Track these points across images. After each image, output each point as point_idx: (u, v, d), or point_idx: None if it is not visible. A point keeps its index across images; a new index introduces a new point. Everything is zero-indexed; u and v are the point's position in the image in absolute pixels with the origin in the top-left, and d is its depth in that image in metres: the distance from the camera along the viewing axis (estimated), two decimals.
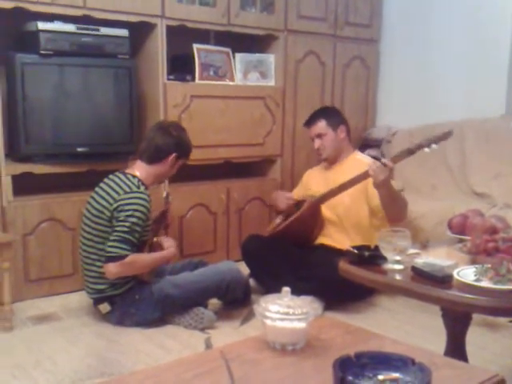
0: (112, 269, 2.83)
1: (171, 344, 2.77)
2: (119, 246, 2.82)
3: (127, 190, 2.92)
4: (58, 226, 3.40)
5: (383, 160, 2.91)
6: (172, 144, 3.06)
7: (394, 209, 3.08)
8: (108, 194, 2.94)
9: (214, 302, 3.20)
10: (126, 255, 2.82)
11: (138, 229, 2.87)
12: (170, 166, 3.07)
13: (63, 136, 3.45)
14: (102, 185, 3.03)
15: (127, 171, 3.05)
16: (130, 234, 2.84)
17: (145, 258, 2.98)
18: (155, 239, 3.15)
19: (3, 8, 3.10)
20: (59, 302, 3.34)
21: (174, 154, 3.05)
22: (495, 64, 4.11)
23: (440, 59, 4.43)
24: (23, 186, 3.34)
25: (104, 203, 2.93)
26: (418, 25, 4.57)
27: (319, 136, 3.47)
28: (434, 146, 2.74)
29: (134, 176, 3.01)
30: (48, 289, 3.41)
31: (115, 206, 2.89)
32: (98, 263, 2.91)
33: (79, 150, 3.46)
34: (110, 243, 2.84)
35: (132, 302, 2.95)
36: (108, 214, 2.90)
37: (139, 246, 2.97)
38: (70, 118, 3.44)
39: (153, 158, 3.05)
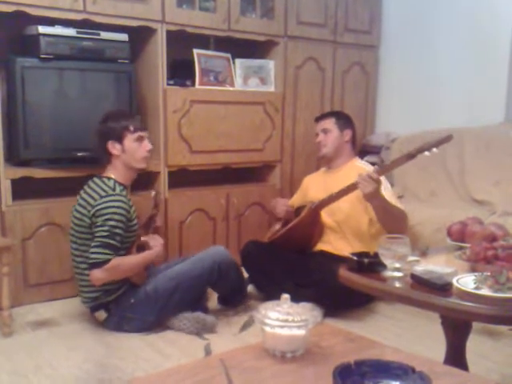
0: (97, 275, 2.81)
1: (170, 350, 2.77)
2: (101, 251, 2.80)
3: (103, 194, 2.91)
4: (58, 231, 3.39)
5: (369, 172, 2.91)
6: (99, 137, 3.04)
7: (388, 221, 3.09)
8: (86, 201, 2.93)
9: (216, 309, 3.20)
10: (109, 260, 2.80)
11: (118, 231, 2.85)
12: (120, 152, 3.00)
13: (63, 140, 3.44)
14: (81, 192, 3.02)
15: (103, 175, 3.04)
16: (110, 238, 2.82)
17: (129, 260, 2.94)
18: (142, 238, 3.13)
19: (4, 12, 3.10)
20: (59, 307, 3.34)
21: (108, 143, 3.00)
22: (495, 71, 4.12)
23: (440, 66, 4.44)
24: (22, 190, 3.34)
25: (83, 211, 2.92)
26: (417, 31, 4.59)
27: (324, 131, 3.54)
28: (434, 149, 2.74)
29: (110, 178, 3.00)
30: (47, 294, 3.41)
31: (93, 211, 2.87)
32: (88, 271, 2.87)
33: (79, 154, 3.46)
34: (92, 249, 2.82)
35: (128, 307, 2.94)
36: (88, 220, 2.89)
37: (127, 248, 2.96)
38: (69, 123, 3.44)
39: (103, 158, 3.06)
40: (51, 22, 3.28)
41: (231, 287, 3.20)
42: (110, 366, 2.58)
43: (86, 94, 3.51)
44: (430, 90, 4.51)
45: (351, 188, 3.08)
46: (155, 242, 3.10)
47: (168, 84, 3.73)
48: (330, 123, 3.55)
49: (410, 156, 2.82)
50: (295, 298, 1.63)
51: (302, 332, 1.55)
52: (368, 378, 1.37)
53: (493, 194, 3.65)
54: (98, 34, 3.44)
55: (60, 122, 3.42)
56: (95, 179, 3.02)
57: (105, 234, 2.81)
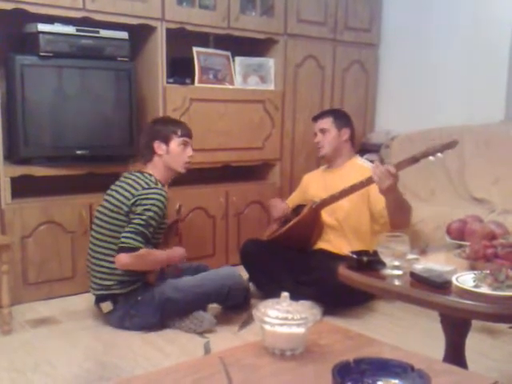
0: (123, 259, 2.85)
1: (170, 348, 2.77)
2: (134, 237, 2.85)
3: (145, 186, 2.99)
4: (57, 229, 3.40)
5: (387, 166, 2.88)
6: (147, 136, 3.15)
7: (399, 215, 3.06)
8: (126, 190, 3.00)
9: (214, 306, 3.19)
10: (139, 247, 2.85)
11: (153, 223, 2.92)
12: (164, 152, 3.10)
13: (62, 138, 3.45)
14: (118, 182, 3.09)
15: (143, 170, 3.11)
16: (145, 228, 2.88)
17: (155, 254, 3.01)
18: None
19: (3, 9, 3.10)
20: (58, 305, 3.34)
21: (155, 142, 3.09)
22: (495, 69, 4.11)
23: (439, 64, 4.44)
24: (22, 188, 3.34)
25: (122, 198, 2.98)
26: (417, 30, 4.58)
27: (322, 131, 3.51)
28: (439, 154, 2.74)
29: (151, 174, 3.08)
30: (47, 292, 3.41)
31: (133, 200, 2.95)
32: (110, 258, 2.93)
33: (78, 152, 3.46)
34: (125, 234, 2.87)
35: (133, 304, 2.96)
36: (126, 208, 2.96)
37: (153, 244, 3.02)
38: (69, 121, 3.44)
39: (145, 157, 3.15)
40: (51, 19, 3.28)
41: (236, 305, 3.20)
42: (110, 364, 2.58)
43: (85, 92, 3.51)
44: (430, 89, 4.51)
45: (365, 183, 3.05)
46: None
47: (168, 82, 3.73)
48: (327, 123, 3.51)
49: (415, 159, 2.81)
50: (295, 296, 1.62)
51: (301, 330, 1.55)
52: (367, 375, 1.37)
53: (492, 192, 3.65)
54: (98, 32, 3.43)
55: (60, 120, 3.42)
56: (136, 173, 3.10)
57: (142, 222, 2.88)
